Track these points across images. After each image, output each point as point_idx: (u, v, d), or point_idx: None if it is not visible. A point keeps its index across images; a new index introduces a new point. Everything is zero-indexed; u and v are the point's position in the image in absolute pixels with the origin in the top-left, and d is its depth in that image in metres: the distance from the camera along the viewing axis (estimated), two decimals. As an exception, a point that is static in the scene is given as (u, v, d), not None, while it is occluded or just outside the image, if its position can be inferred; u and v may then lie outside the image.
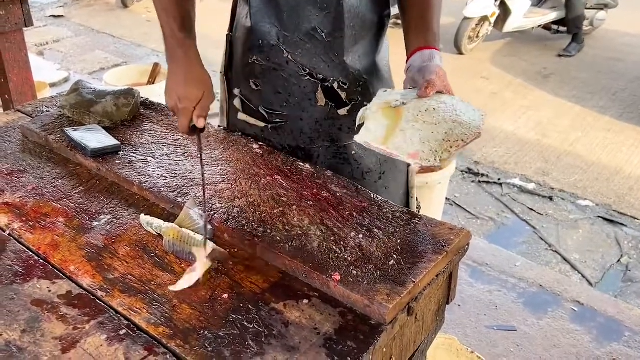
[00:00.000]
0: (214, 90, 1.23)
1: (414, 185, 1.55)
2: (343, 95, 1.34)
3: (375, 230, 1.07)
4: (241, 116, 1.43)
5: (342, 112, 1.35)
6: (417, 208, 2.52)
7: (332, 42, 1.30)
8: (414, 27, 1.28)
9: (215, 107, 1.33)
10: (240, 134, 1.42)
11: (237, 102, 1.42)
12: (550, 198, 3.34)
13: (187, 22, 1.25)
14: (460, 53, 5.52)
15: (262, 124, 1.38)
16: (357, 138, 1.09)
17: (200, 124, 1.19)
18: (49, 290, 0.96)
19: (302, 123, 1.36)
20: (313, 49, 1.30)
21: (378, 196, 1.18)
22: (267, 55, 1.33)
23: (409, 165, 1.50)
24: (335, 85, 1.33)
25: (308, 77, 1.33)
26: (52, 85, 4.18)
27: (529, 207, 3.26)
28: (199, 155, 1.22)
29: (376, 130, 1.09)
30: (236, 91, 1.42)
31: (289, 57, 1.31)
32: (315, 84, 1.33)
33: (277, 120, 1.38)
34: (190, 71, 1.22)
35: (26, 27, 2.35)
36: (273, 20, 1.30)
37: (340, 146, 1.38)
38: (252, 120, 1.41)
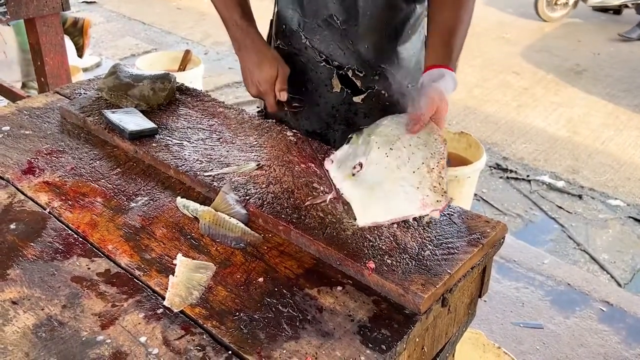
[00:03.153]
0: (284, 62, 1.32)
1: None
2: (358, 82, 1.37)
3: (410, 220, 1.07)
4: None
5: (357, 99, 1.38)
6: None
7: (347, 29, 1.32)
8: (436, 42, 1.22)
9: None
10: (274, 120, 1.43)
11: None
12: (580, 196, 3.29)
13: (246, 9, 1.32)
14: (542, 20, 5.29)
15: (285, 108, 1.41)
16: (360, 222, 1.03)
17: (283, 97, 1.31)
18: (88, 268, 0.98)
19: (318, 108, 1.38)
20: (330, 36, 1.34)
21: (413, 186, 1.17)
22: (289, 40, 1.39)
23: None
24: (350, 73, 1.36)
25: (324, 63, 1.37)
26: (85, 69, 4.24)
27: (557, 205, 3.21)
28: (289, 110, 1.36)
29: (369, 203, 1.04)
30: None
31: (307, 42, 1.36)
32: (331, 70, 1.37)
33: (296, 104, 1.41)
34: (259, 54, 1.30)
35: (63, 10, 2.39)
36: (295, 6, 1.35)
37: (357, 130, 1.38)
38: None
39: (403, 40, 1.36)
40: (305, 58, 1.38)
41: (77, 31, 3.43)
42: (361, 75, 1.36)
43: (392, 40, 1.35)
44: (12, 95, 2.95)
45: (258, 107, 1.61)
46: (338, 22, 1.31)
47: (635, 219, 3.10)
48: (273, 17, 1.46)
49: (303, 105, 1.42)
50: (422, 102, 1.08)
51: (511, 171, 3.51)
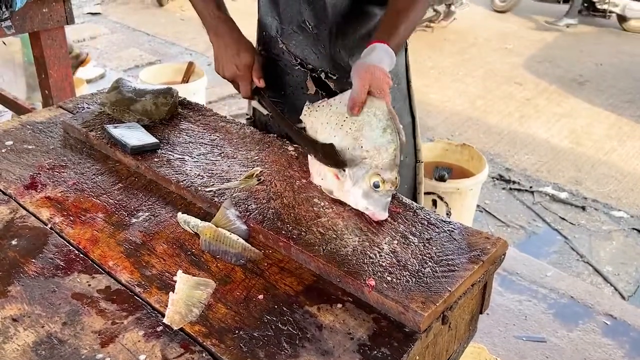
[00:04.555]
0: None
1: (422, 181, 1.58)
2: (332, 84, 1.42)
3: (410, 236, 1.07)
4: (253, 103, 1.56)
5: None
6: (447, 214, 2.51)
7: (319, 34, 1.39)
8: (382, 23, 1.27)
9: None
10: (275, 135, 1.43)
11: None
12: (583, 208, 3.28)
13: (221, 4, 1.39)
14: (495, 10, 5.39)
15: (265, 112, 1.44)
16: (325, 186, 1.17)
17: (261, 83, 1.36)
18: (89, 285, 0.98)
19: (296, 110, 1.40)
20: (304, 41, 1.41)
21: (413, 202, 1.18)
22: (269, 46, 1.47)
23: (417, 160, 1.55)
24: (323, 76, 1.42)
25: (299, 66, 1.43)
26: (89, 81, 4.26)
27: (560, 217, 3.20)
28: (269, 114, 1.39)
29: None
30: None
31: (284, 47, 1.43)
32: (305, 73, 1.43)
33: (280, 108, 1.45)
34: (238, 42, 1.36)
35: (67, 24, 2.41)
36: (274, 13, 1.42)
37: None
38: (260, 108, 1.51)
39: None
40: (282, 63, 1.46)
41: (77, 63, 3.50)
42: (334, 77, 1.41)
43: (365, 44, 1.38)
44: (16, 107, 2.97)
45: (247, 115, 1.67)
46: (310, 26, 1.38)
47: (639, 231, 3.09)
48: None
49: (282, 109, 1.45)
50: (354, 83, 1.13)
51: (514, 182, 3.51)
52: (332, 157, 1.14)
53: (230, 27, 1.38)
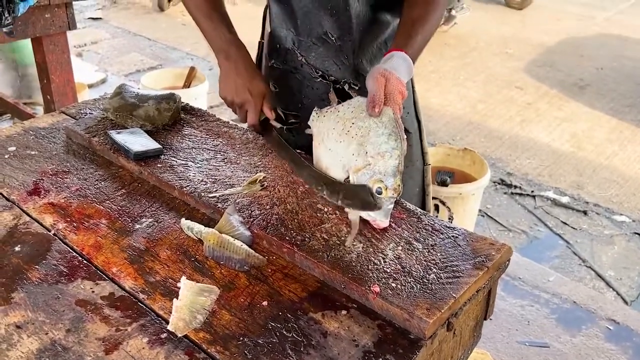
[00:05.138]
0: None
1: (430, 183, 1.59)
2: (354, 95, 1.39)
3: (415, 242, 1.07)
4: (262, 117, 1.49)
5: None
6: (449, 219, 2.51)
7: (342, 45, 1.36)
8: (398, 33, 1.28)
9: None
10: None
11: None
12: (585, 212, 3.27)
13: (231, 26, 1.36)
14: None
15: (279, 125, 1.43)
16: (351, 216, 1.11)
17: (271, 115, 1.35)
18: (93, 291, 0.97)
19: None
20: (325, 52, 1.38)
21: (417, 208, 1.18)
22: (284, 59, 1.42)
23: (425, 163, 1.55)
24: (346, 87, 1.40)
25: (320, 79, 1.41)
26: (90, 86, 4.27)
27: (562, 221, 3.20)
28: (277, 142, 1.35)
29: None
30: None
31: (303, 60, 1.40)
32: (327, 85, 1.40)
33: (292, 120, 1.44)
34: (253, 69, 1.34)
35: (69, 29, 2.41)
36: (289, 25, 1.39)
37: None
38: (272, 121, 1.47)
39: None
40: (301, 75, 1.42)
41: None
42: (357, 88, 1.40)
43: (383, 52, 1.40)
44: (17, 112, 2.97)
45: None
46: (333, 38, 1.36)
47: (641, 235, 3.09)
48: (263, 38, 1.51)
49: (299, 121, 1.44)
50: (369, 85, 1.13)
51: (515, 187, 3.50)
52: (359, 197, 1.07)
53: (244, 53, 1.36)
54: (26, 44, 2.97)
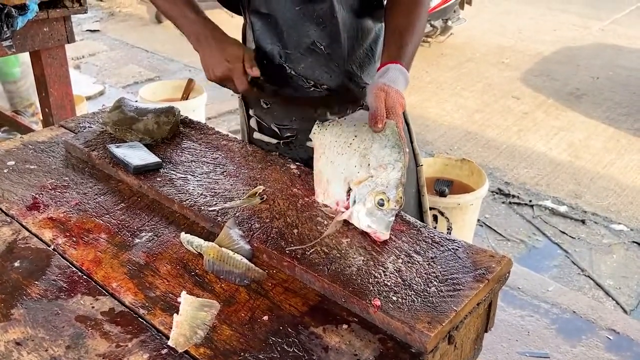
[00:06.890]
0: None
1: (424, 184, 1.60)
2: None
3: (415, 255, 1.07)
4: (257, 135, 1.52)
5: None
6: (447, 229, 2.51)
7: (332, 53, 1.37)
8: (388, 43, 1.29)
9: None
10: (277, 153, 1.43)
11: (253, 123, 1.52)
12: (583, 221, 3.28)
13: (195, 6, 1.37)
14: None
15: (274, 141, 1.43)
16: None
17: (255, 72, 1.31)
18: (92, 307, 0.97)
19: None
20: (314, 62, 1.38)
21: (417, 220, 1.18)
22: (272, 73, 1.41)
23: (417, 164, 1.57)
24: (340, 92, 1.40)
25: (313, 88, 1.41)
26: (88, 98, 4.27)
27: (560, 230, 3.20)
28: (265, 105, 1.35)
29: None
30: (251, 112, 1.52)
31: (292, 72, 1.39)
32: (320, 93, 1.41)
33: (288, 134, 1.44)
34: (223, 39, 1.33)
35: (68, 42, 2.42)
36: (274, 40, 1.37)
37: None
38: (266, 139, 1.49)
39: (378, 57, 1.43)
40: (292, 88, 1.41)
41: None
42: (350, 93, 1.41)
43: (370, 58, 1.43)
44: (16, 125, 2.97)
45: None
46: (322, 47, 1.36)
47: (639, 244, 3.09)
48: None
49: (295, 134, 1.44)
50: (369, 101, 1.15)
51: (513, 196, 3.51)
52: None
53: (212, 27, 1.34)
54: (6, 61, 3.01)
